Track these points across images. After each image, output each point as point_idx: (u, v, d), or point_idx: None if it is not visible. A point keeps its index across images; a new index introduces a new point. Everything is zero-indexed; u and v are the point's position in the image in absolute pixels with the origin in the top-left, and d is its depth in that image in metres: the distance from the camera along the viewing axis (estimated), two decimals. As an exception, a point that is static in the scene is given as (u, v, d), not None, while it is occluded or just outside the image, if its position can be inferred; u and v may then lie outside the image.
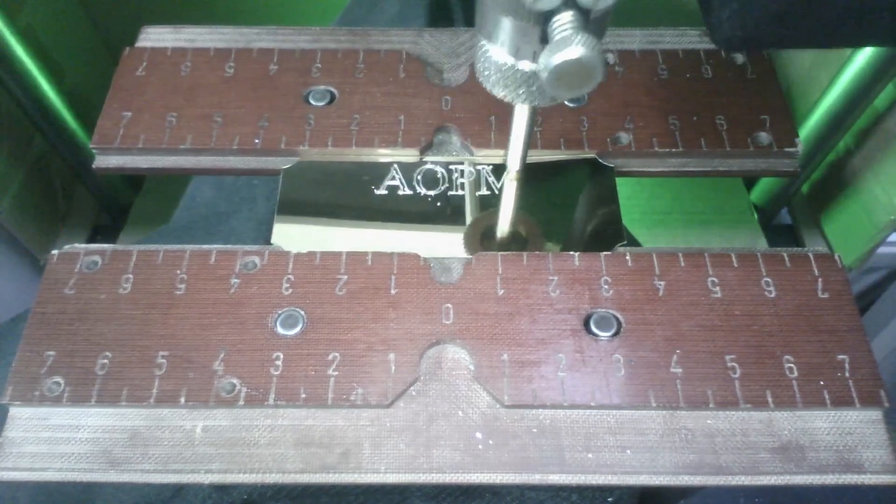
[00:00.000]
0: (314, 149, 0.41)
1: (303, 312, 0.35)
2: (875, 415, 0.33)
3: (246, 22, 0.48)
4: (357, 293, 0.35)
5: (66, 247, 0.37)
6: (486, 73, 0.29)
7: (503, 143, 0.33)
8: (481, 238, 0.38)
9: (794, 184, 0.67)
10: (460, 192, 0.40)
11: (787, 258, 0.37)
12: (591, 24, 0.25)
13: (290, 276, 0.36)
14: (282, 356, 0.34)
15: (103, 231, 0.72)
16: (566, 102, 0.42)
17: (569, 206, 0.40)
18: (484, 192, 0.40)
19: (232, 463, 0.32)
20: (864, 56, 0.55)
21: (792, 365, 0.33)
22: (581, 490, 0.39)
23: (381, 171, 0.41)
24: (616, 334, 0.34)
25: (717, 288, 0.36)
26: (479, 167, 0.41)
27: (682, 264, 0.36)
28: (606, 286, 0.36)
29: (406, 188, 0.40)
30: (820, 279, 0.36)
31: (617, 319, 0.35)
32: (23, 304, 0.60)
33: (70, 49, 0.66)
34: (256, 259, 0.37)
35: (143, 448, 0.32)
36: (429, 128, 0.42)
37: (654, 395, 0.33)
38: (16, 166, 0.60)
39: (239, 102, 0.42)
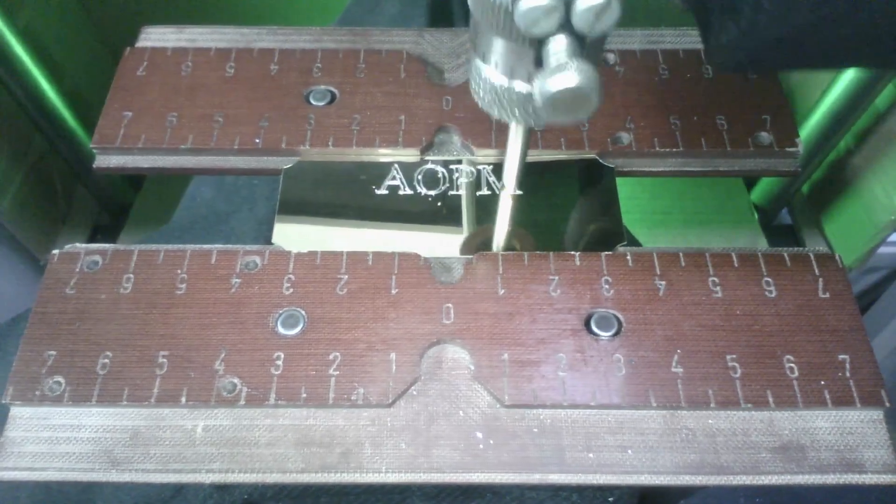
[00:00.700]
0: (315, 149, 0.41)
1: (303, 312, 0.35)
2: (876, 414, 0.33)
3: (247, 22, 0.48)
4: (357, 293, 0.35)
5: (67, 247, 0.37)
6: (481, 93, 0.28)
7: (503, 142, 0.32)
8: (476, 252, 0.38)
9: (795, 184, 0.67)
10: (461, 192, 0.40)
11: (787, 258, 0.37)
12: (588, 49, 0.25)
13: (291, 276, 0.36)
14: (282, 356, 0.34)
15: (103, 231, 0.72)
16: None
17: (569, 206, 0.40)
18: (484, 191, 0.40)
19: (232, 462, 0.32)
20: (864, 56, 0.54)
21: (793, 365, 0.33)
22: (581, 490, 0.39)
23: (381, 170, 0.41)
24: (616, 334, 0.34)
25: (718, 288, 0.36)
26: (479, 167, 0.41)
27: (683, 264, 0.36)
28: (607, 286, 0.36)
29: (407, 188, 0.40)
30: (820, 279, 0.36)
31: (617, 319, 0.35)
32: (23, 304, 0.60)
33: (70, 49, 0.66)
34: (257, 259, 0.37)
35: (144, 448, 0.32)
36: (429, 128, 0.42)
37: (654, 395, 0.33)
38: (16, 166, 0.60)
39: (239, 102, 0.42)
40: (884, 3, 0.22)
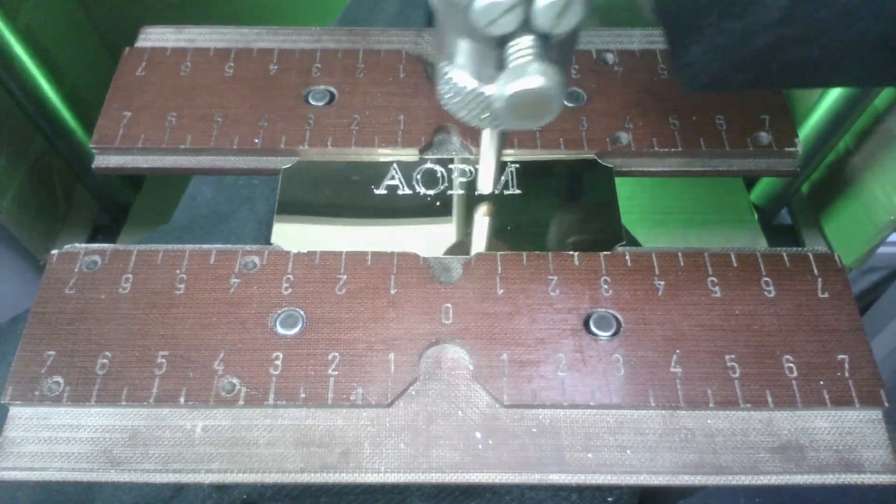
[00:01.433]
0: (314, 148, 0.41)
1: (302, 312, 0.35)
2: (875, 414, 0.33)
3: (246, 22, 0.48)
4: (357, 293, 0.35)
5: (66, 246, 0.37)
6: (448, 95, 0.27)
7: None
8: (472, 252, 0.38)
9: (794, 184, 0.67)
10: (460, 192, 0.40)
11: (786, 258, 0.37)
12: (554, 49, 0.24)
13: (290, 276, 0.36)
14: (281, 356, 0.34)
15: (103, 231, 0.72)
16: (566, 103, 0.42)
17: (568, 206, 0.40)
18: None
19: (232, 462, 0.32)
20: (863, 56, 0.54)
21: (792, 365, 0.33)
22: (581, 490, 0.39)
23: (380, 170, 0.41)
24: (616, 334, 0.34)
25: (717, 288, 0.36)
26: (478, 167, 0.41)
27: (682, 264, 0.36)
28: (606, 286, 0.36)
29: (406, 188, 0.40)
30: (820, 279, 0.36)
31: (617, 319, 0.35)
32: (23, 304, 0.60)
33: (70, 49, 0.66)
34: (256, 259, 0.37)
35: (143, 448, 0.32)
36: (428, 127, 0.42)
37: (653, 395, 0.33)
38: (16, 166, 0.60)
39: (239, 102, 0.42)
40: (841, 25, 0.22)
